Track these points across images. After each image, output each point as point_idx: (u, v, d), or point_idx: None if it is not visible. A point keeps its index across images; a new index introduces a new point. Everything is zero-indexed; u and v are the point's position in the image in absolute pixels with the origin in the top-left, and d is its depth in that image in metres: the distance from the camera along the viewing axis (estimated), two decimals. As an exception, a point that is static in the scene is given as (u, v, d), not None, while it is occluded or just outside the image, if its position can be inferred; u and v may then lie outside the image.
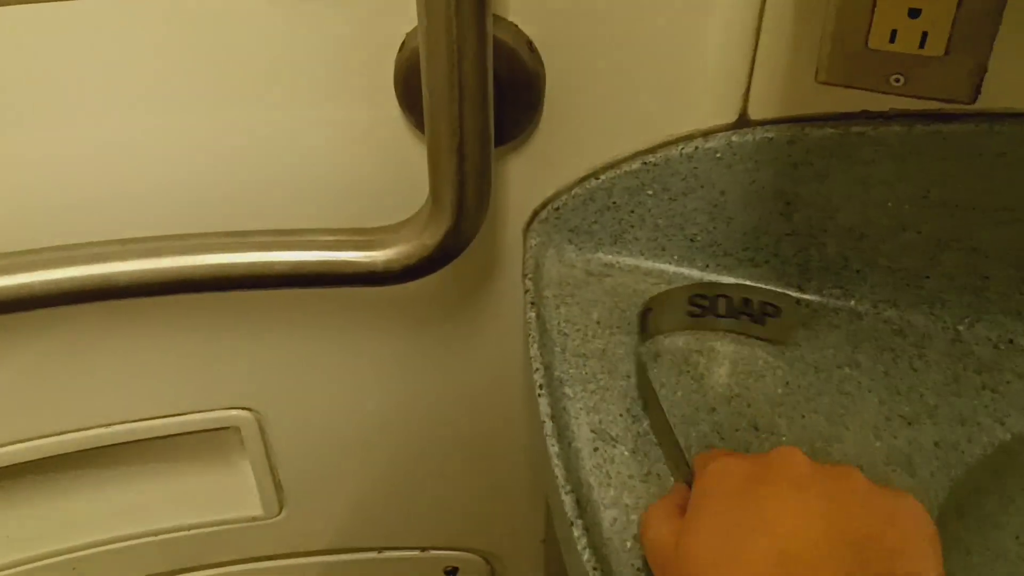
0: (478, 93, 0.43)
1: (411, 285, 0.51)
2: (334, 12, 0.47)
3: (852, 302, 0.53)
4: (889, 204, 0.50)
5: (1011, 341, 0.51)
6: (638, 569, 0.41)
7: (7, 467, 0.66)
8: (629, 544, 0.42)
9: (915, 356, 0.50)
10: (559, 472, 0.44)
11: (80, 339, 0.60)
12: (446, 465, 0.73)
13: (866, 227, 0.51)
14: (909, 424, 0.47)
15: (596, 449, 0.46)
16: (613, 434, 0.46)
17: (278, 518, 0.74)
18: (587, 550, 0.41)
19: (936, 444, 0.46)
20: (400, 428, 0.70)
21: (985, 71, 0.44)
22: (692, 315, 0.52)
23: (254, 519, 0.73)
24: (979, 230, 0.51)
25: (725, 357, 0.51)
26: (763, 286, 0.54)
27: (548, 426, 0.46)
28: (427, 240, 0.49)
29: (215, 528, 0.74)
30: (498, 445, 0.72)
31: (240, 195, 0.54)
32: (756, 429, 0.47)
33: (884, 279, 0.53)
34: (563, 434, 0.46)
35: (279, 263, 0.49)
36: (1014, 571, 0.46)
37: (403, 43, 0.48)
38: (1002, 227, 0.50)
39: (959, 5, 0.41)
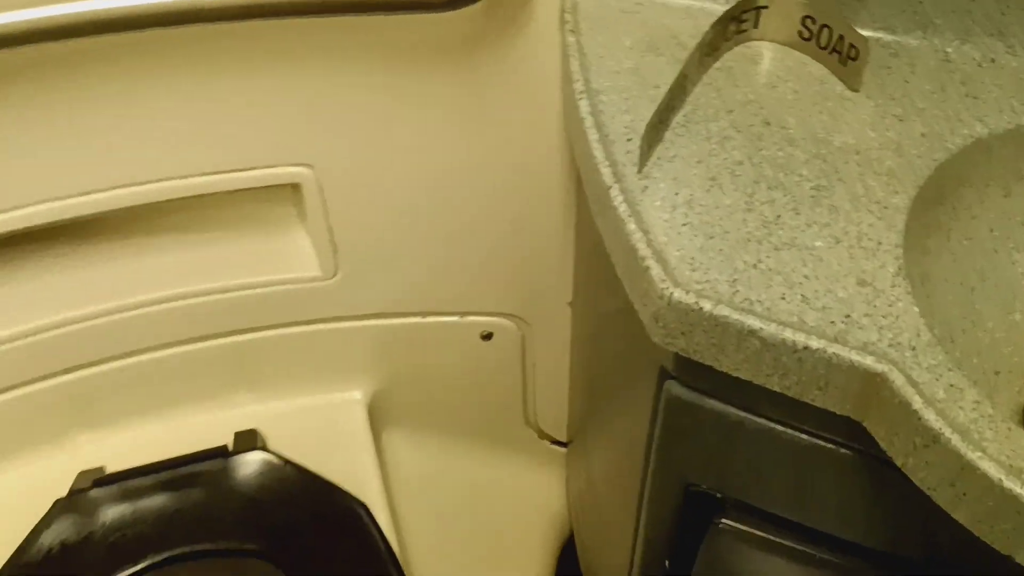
0: None
1: (455, 31, 0.56)
2: None
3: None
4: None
5: (993, 60, 0.58)
6: (665, 220, 0.49)
7: (57, 225, 0.68)
8: (658, 203, 0.50)
9: (908, 72, 0.57)
10: (598, 152, 0.52)
11: (127, 85, 0.62)
12: (484, 232, 0.81)
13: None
14: (900, 120, 0.54)
15: (629, 140, 0.53)
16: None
17: (334, 280, 0.82)
18: (624, 204, 0.49)
19: (923, 135, 0.53)
20: (444, 188, 0.77)
21: None
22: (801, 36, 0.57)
23: (312, 280, 0.81)
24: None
25: (746, 73, 0.58)
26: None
27: (588, 121, 0.53)
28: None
29: (273, 288, 0.81)
30: (535, 211, 0.79)
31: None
32: (768, 124, 0.54)
33: (881, 6, 0.59)
34: (601, 130, 0.54)
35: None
36: (987, 262, 0.54)
37: None
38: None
39: None
